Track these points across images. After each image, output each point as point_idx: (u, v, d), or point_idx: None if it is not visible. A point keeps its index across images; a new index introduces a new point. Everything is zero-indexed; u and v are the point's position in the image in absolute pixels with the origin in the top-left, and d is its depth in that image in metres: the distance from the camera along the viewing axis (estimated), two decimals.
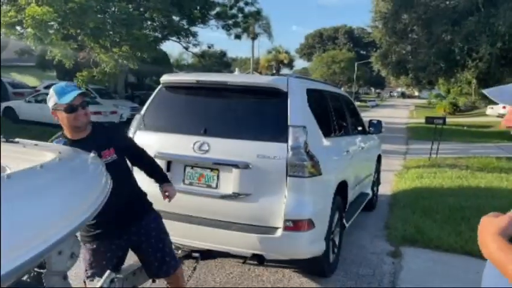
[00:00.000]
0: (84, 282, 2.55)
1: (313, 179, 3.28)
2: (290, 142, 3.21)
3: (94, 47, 13.37)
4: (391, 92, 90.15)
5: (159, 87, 3.84)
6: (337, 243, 4.09)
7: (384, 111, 38.09)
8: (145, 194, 2.70)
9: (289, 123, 3.26)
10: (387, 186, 7.95)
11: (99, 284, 2.36)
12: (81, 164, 1.75)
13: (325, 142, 3.73)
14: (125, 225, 2.52)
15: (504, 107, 29.39)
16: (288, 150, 3.20)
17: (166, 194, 2.78)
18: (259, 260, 3.33)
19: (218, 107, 3.54)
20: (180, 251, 3.36)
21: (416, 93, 71.43)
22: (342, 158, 4.10)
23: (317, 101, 4.00)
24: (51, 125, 13.65)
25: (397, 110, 43.41)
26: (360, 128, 5.53)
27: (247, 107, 3.52)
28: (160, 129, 3.66)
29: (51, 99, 2.31)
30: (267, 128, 3.37)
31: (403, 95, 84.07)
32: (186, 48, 22.98)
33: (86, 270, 2.51)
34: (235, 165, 3.26)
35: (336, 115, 4.42)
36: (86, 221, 1.45)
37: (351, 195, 4.62)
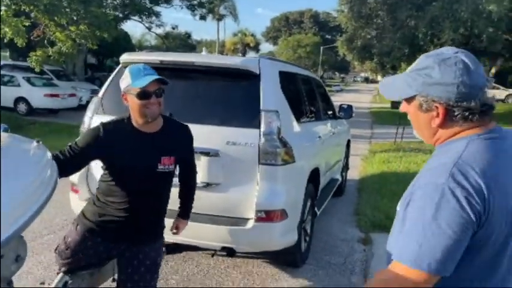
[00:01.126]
0: (42, 283, 2.27)
1: (286, 166, 3.10)
2: (262, 128, 3.01)
3: (49, 25, 12.55)
4: (355, 77, 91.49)
5: (119, 67, 3.52)
6: (308, 231, 3.96)
7: (348, 95, 38.57)
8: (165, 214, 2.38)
9: (261, 107, 3.05)
10: (355, 171, 7.95)
11: (53, 285, 2.11)
12: (21, 154, 1.47)
13: (298, 127, 3.55)
14: (132, 241, 2.17)
15: None
16: (260, 137, 3.00)
17: (176, 229, 2.47)
18: (229, 252, 3.15)
19: (184, 90, 3.27)
20: None
21: (380, 78, 72.86)
22: (314, 144, 3.94)
23: (290, 84, 3.80)
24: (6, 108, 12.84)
25: (361, 94, 44.14)
26: (330, 113, 5.40)
27: (216, 90, 3.27)
28: (121, 113, 3.35)
29: (124, 81, 2.02)
30: (237, 113, 3.14)
31: (366, 80, 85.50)
32: (149, 29, 22.19)
33: (58, 251, 2.23)
34: (204, 153, 3.02)
35: (308, 99, 4.25)
36: (31, 220, 1.20)
37: (323, 182, 4.50)
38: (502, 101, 28.95)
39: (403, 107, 1.31)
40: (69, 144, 2.10)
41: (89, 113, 3.46)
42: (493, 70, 33.08)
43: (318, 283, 3.56)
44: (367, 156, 9.65)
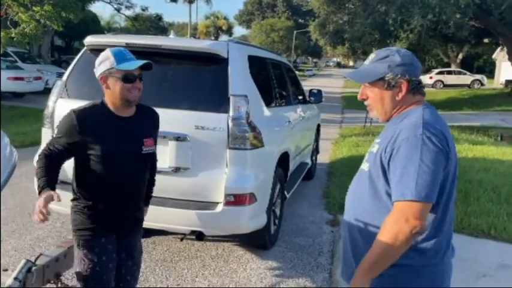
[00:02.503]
0: (5, 270, 2.22)
1: (255, 151, 3.13)
2: (231, 112, 3.02)
3: (12, 5, 12.00)
4: (327, 61, 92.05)
5: (83, 50, 3.43)
6: (278, 214, 4.03)
7: (320, 80, 38.87)
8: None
9: (229, 92, 3.06)
10: (325, 155, 8.08)
11: (13, 275, 2.07)
12: None
13: (267, 112, 3.58)
14: (123, 232, 2.13)
15: (431, 77, 31.23)
16: (228, 121, 3.01)
17: None
18: (198, 236, 3.17)
19: (151, 74, 3.20)
20: None
21: (351, 63, 73.62)
22: (283, 129, 3.98)
23: (259, 68, 3.81)
24: None
25: (333, 79, 44.51)
26: (300, 97, 5.44)
27: (183, 74, 3.24)
28: (86, 97, 3.27)
29: (105, 63, 1.92)
30: (205, 97, 3.14)
31: (338, 65, 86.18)
32: (118, 10, 21.56)
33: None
34: (172, 138, 3.01)
35: (278, 84, 4.27)
36: None
37: (292, 166, 4.57)
38: (468, 86, 29.84)
39: (362, 94, 1.65)
40: (47, 143, 2.03)
41: (53, 97, 3.37)
42: (460, 56, 34.04)
43: (286, 264, 3.65)
44: (337, 140, 9.82)
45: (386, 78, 1.55)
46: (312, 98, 5.68)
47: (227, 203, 3.01)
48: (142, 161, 2.10)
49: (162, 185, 3.09)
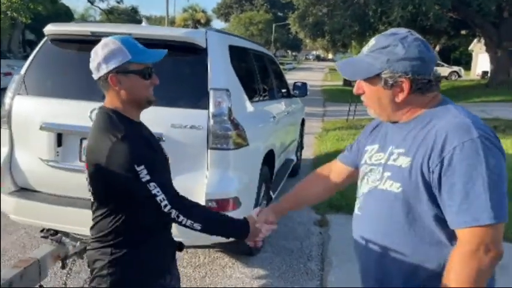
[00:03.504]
0: None
1: (238, 150, 2.83)
2: (211, 108, 2.71)
3: None
4: (306, 55, 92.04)
5: (44, 40, 3.06)
6: None
7: (300, 73, 38.70)
8: None
9: (209, 85, 2.74)
10: (309, 150, 7.84)
11: None
12: None
13: (251, 107, 3.28)
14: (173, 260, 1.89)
15: None
16: (208, 118, 2.70)
17: None
18: (178, 247, 2.85)
19: None
20: (79, 243, 2.77)
21: (330, 56, 73.85)
22: (268, 125, 3.69)
23: (241, 60, 3.50)
24: None
25: (313, 72, 44.44)
26: (284, 91, 5.16)
27: (157, 67, 2.88)
28: (47, 93, 2.93)
29: (117, 55, 1.46)
30: (182, 92, 2.81)
31: (318, 58, 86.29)
32: (92, 3, 20.74)
33: None
34: None
35: (261, 77, 3.97)
36: None
37: (278, 164, 4.29)
38: (446, 78, 30.13)
39: (359, 88, 1.34)
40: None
41: (9, 93, 2.99)
42: (437, 48, 34.36)
43: (274, 271, 3.38)
44: (321, 135, 9.60)
45: (383, 76, 1.24)
46: (297, 92, 5.40)
47: None
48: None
49: None
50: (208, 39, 2.86)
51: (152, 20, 55.47)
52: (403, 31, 1.27)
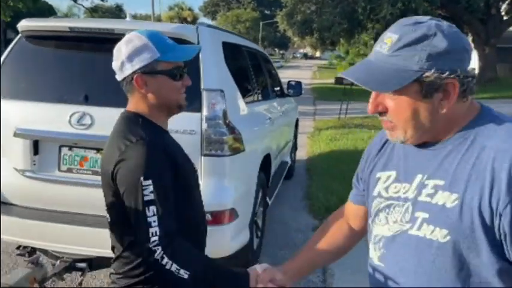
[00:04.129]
0: None
1: (235, 157, 2.59)
2: (204, 111, 2.46)
3: None
4: (294, 53, 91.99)
5: (18, 37, 2.77)
6: (260, 225, 3.52)
7: (288, 72, 38.51)
8: None
9: (202, 86, 2.49)
10: (302, 150, 7.63)
11: None
12: None
13: (247, 109, 3.04)
14: None
15: None
16: (202, 122, 2.45)
17: None
18: None
19: (103, 65, 2.59)
20: (59, 262, 2.50)
21: (318, 55, 73.95)
22: (265, 128, 3.45)
23: (235, 58, 3.26)
24: None
25: (301, 71, 44.32)
26: (278, 90, 4.92)
27: None
28: (22, 96, 2.64)
29: (143, 53, 1.24)
30: None
31: (305, 56, 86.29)
32: (75, 1, 20.21)
33: None
34: None
35: (256, 76, 3.73)
36: None
37: (274, 168, 4.06)
38: None
39: (378, 105, 0.98)
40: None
41: None
42: None
43: None
44: (313, 134, 9.40)
45: (426, 80, 0.92)
46: (291, 91, 5.17)
47: None
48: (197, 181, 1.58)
49: None
50: (200, 35, 2.60)
51: (138, 19, 54.79)
52: (426, 18, 0.96)
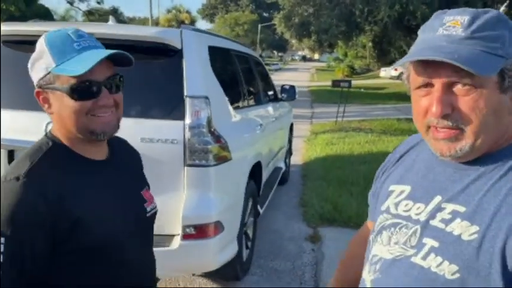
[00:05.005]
0: None
1: (220, 166, 2.46)
2: (187, 119, 2.34)
3: None
4: (292, 55, 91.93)
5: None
6: (250, 235, 3.40)
7: (287, 74, 38.46)
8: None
9: (185, 92, 2.37)
10: (298, 155, 7.51)
11: None
12: None
13: (235, 115, 2.92)
14: None
15: (396, 69, 31.33)
16: (185, 130, 2.33)
17: None
18: None
19: None
20: None
21: (316, 57, 73.90)
22: (255, 135, 3.32)
23: (223, 62, 3.14)
24: None
25: (299, 73, 44.29)
26: (271, 95, 4.80)
27: (125, 71, 2.52)
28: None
29: (39, 63, 1.03)
30: (154, 100, 2.43)
31: (304, 59, 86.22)
32: (71, 3, 20.05)
33: None
34: None
35: (246, 80, 3.61)
36: None
37: (265, 175, 3.94)
38: None
39: (448, 102, 0.78)
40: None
41: None
42: None
43: None
44: (310, 138, 9.28)
45: (507, 71, 0.77)
46: (284, 95, 5.05)
47: (186, 237, 2.34)
48: (148, 229, 1.29)
49: None
50: (184, 39, 2.48)
51: (136, 22, 54.64)
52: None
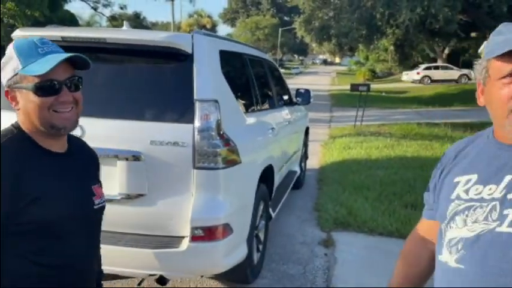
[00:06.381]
0: None
1: (229, 170, 2.49)
2: (197, 122, 2.37)
3: None
4: (313, 59, 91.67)
5: (10, 45, 2.74)
6: (262, 239, 3.40)
7: (307, 78, 38.38)
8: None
9: (195, 96, 2.41)
10: (314, 159, 7.47)
11: None
12: None
13: (246, 119, 2.94)
14: None
15: (418, 73, 30.84)
16: (194, 134, 2.36)
17: None
18: (159, 281, 2.51)
19: (95, 75, 2.55)
20: None
21: (338, 60, 73.43)
22: (266, 139, 3.33)
23: (234, 66, 3.17)
24: None
25: (320, 77, 44.11)
26: (286, 99, 4.81)
27: (136, 75, 2.57)
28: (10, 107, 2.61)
29: (8, 66, 1.19)
30: (164, 104, 2.48)
31: (325, 62, 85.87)
32: (95, 9, 20.63)
33: None
34: (121, 157, 2.35)
35: (258, 84, 3.62)
36: None
37: (278, 179, 3.94)
38: (455, 81, 29.61)
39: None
40: None
41: None
42: (447, 50, 33.89)
43: None
44: (327, 142, 9.22)
45: None
46: (299, 99, 5.04)
47: (194, 238, 2.36)
48: (93, 222, 1.36)
49: (111, 217, 2.43)
50: (195, 43, 2.52)
51: (159, 26, 55.55)
52: None
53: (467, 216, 1.04)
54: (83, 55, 1.22)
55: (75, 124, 1.25)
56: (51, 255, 1.21)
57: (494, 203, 1.00)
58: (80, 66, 1.25)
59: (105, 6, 21.19)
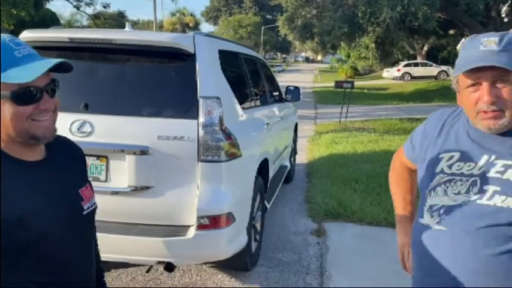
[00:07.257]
0: None
1: (231, 162, 2.65)
2: (201, 118, 2.52)
3: None
4: (296, 57, 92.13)
5: None
6: (258, 229, 3.57)
7: (290, 75, 38.65)
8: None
9: (198, 93, 2.56)
10: (302, 154, 7.68)
11: None
12: None
13: (244, 115, 3.10)
14: None
15: (399, 70, 31.42)
16: (198, 129, 2.52)
17: None
18: (167, 267, 2.67)
19: (102, 75, 2.68)
20: None
21: (320, 58, 74.02)
22: (262, 133, 3.51)
23: (232, 65, 3.33)
24: None
25: (303, 74, 44.44)
26: (277, 95, 4.99)
27: (142, 74, 2.71)
28: None
29: None
30: (170, 101, 2.62)
31: (307, 60, 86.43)
32: (77, 8, 20.43)
33: None
34: (130, 151, 2.49)
35: (253, 82, 3.79)
36: None
37: (272, 172, 4.12)
38: (435, 77, 30.28)
39: (494, 93, 1.16)
40: None
41: None
42: (426, 47, 34.56)
43: (270, 286, 3.20)
44: (314, 138, 9.45)
45: None
46: (289, 96, 5.23)
47: (200, 227, 2.52)
48: (85, 227, 1.27)
49: (121, 208, 2.58)
50: (197, 44, 2.67)
51: (140, 25, 55.08)
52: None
53: (447, 187, 1.24)
54: (67, 60, 1.12)
55: (54, 132, 1.14)
56: (46, 273, 1.12)
57: (474, 178, 1.20)
58: (60, 70, 1.12)
59: (87, 5, 20.99)
